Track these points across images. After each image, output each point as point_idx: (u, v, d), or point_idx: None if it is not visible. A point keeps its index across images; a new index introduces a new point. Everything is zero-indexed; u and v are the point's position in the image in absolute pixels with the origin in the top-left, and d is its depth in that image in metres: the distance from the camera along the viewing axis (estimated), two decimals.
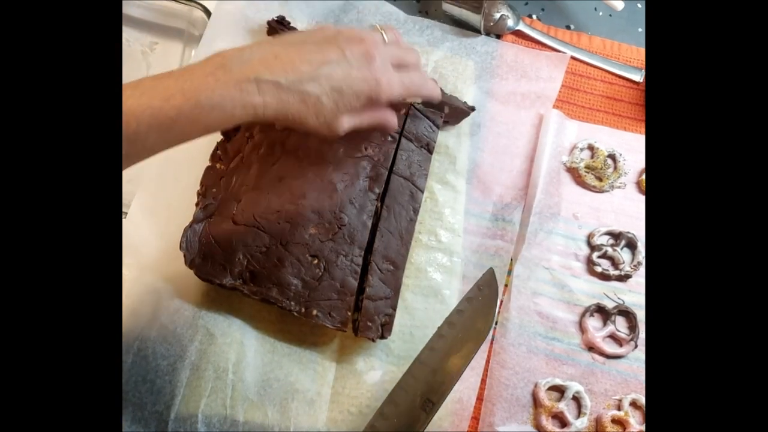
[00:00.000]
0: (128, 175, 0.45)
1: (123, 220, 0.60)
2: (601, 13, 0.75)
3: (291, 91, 0.46)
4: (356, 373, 0.58)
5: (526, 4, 0.75)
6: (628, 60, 0.72)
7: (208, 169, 0.60)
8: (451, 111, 0.65)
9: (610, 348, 0.60)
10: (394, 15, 0.71)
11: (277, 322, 0.58)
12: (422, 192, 0.61)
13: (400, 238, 0.58)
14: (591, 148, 0.67)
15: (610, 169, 0.66)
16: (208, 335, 0.56)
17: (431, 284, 0.61)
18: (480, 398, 0.58)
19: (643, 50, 0.72)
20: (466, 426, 0.57)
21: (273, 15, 0.68)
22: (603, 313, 0.61)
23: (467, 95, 0.68)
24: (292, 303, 0.55)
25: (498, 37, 0.72)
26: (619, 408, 0.58)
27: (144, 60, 0.70)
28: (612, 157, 0.66)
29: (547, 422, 0.57)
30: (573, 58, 0.71)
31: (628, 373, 0.60)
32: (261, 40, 0.49)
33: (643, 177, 0.66)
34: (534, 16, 0.74)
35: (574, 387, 0.58)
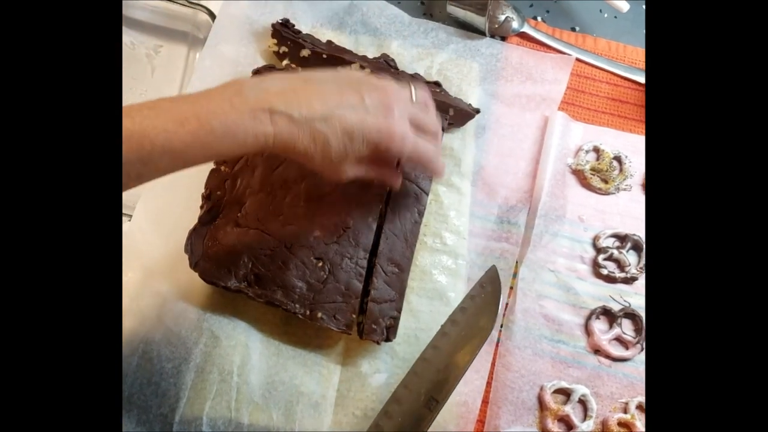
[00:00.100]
0: None
1: (128, 223, 0.60)
2: (606, 15, 0.75)
3: (302, 127, 0.45)
4: (361, 375, 0.58)
5: (531, 6, 0.75)
6: (633, 62, 0.72)
7: (212, 171, 0.60)
8: (455, 113, 0.65)
9: (616, 351, 0.60)
10: (398, 17, 0.71)
11: (282, 324, 0.58)
12: (427, 194, 0.61)
13: (404, 241, 0.58)
14: (596, 150, 0.67)
15: (616, 172, 0.66)
16: (212, 338, 0.56)
17: (436, 287, 0.61)
18: (485, 401, 0.58)
19: None
20: (471, 429, 0.57)
21: (277, 17, 0.68)
22: (609, 315, 0.61)
23: (472, 97, 0.68)
24: (297, 306, 0.55)
25: (503, 39, 0.72)
26: (625, 411, 0.58)
27: (149, 63, 0.71)
28: (617, 159, 0.66)
29: (553, 425, 0.57)
30: (578, 60, 0.71)
31: (635, 376, 0.59)
32: (284, 72, 0.48)
33: None
34: (539, 18, 0.74)
35: (580, 390, 0.58)
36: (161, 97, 0.43)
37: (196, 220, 0.58)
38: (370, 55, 0.68)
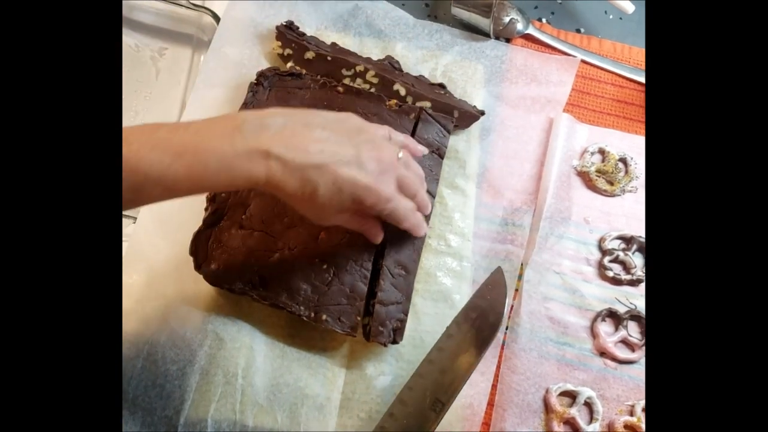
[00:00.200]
0: None
1: (132, 225, 0.60)
2: (611, 16, 0.75)
3: (294, 173, 0.46)
4: (366, 378, 0.57)
5: (536, 7, 0.75)
6: (638, 63, 0.71)
7: None
8: (460, 115, 0.65)
9: (622, 353, 0.60)
10: (403, 19, 0.71)
11: (287, 326, 0.58)
12: (433, 197, 0.61)
13: (411, 243, 0.58)
14: (602, 151, 0.66)
15: (621, 173, 0.66)
16: (217, 340, 0.56)
17: (441, 289, 0.61)
18: (491, 404, 0.58)
19: None
20: (476, 431, 0.56)
21: (282, 20, 0.68)
22: (615, 317, 0.61)
23: (477, 99, 0.67)
24: (302, 308, 0.55)
25: (507, 40, 0.72)
26: (631, 414, 0.58)
27: (153, 65, 0.71)
28: (623, 160, 0.66)
29: (558, 428, 0.57)
30: (583, 61, 0.71)
31: (641, 379, 0.59)
32: (285, 109, 0.49)
33: None
34: (544, 20, 0.74)
35: (586, 392, 0.58)
36: (162, 122, 0.45)
37: (200, 223, 0.58)
38: (375, 57, 0.68)
